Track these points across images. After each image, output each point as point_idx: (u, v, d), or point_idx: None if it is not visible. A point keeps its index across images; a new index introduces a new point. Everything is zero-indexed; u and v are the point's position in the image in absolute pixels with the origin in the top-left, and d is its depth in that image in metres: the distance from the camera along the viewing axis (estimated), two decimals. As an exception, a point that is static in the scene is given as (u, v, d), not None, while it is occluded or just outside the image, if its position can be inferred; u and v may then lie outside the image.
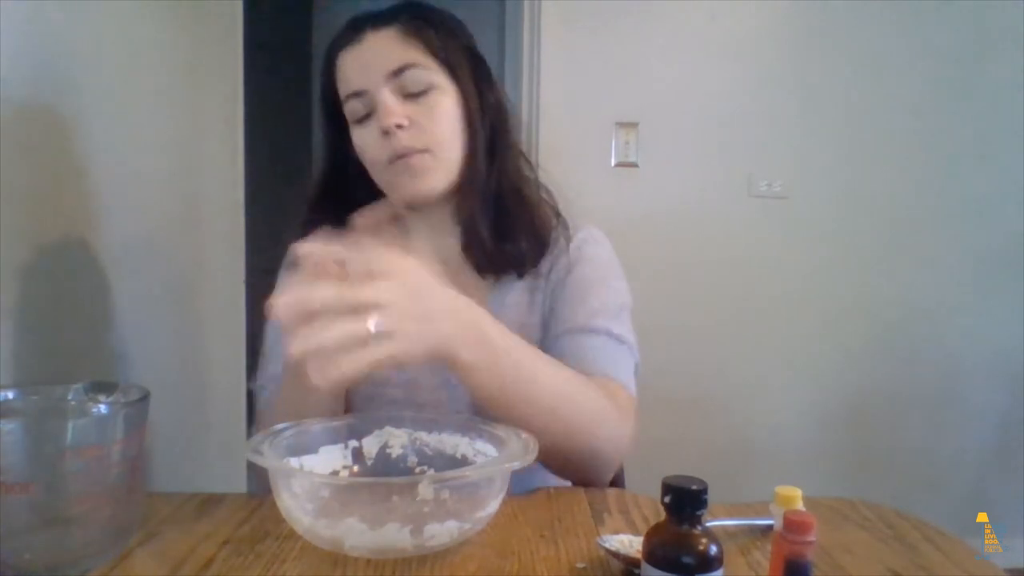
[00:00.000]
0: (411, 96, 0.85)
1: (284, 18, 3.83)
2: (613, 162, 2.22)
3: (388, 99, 0.84)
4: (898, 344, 2.33)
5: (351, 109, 0.87)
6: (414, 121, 0.85)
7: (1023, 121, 2.27)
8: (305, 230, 0.92)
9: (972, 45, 2.27)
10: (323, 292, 0.59)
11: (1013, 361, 2.33)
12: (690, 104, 2.24)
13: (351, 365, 0.58)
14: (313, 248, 0.64)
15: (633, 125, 2.22)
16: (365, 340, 0.59)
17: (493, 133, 0.92)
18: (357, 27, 0.88)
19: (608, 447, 0.80)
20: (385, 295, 0.60)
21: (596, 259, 0.96)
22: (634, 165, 2.23)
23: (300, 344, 0.58)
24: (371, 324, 0.59)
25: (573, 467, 0.81)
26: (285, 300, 0.59)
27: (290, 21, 3.92)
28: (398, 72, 0.85)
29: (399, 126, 0.84)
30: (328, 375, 0.58)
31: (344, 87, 0.88)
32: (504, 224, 0.92)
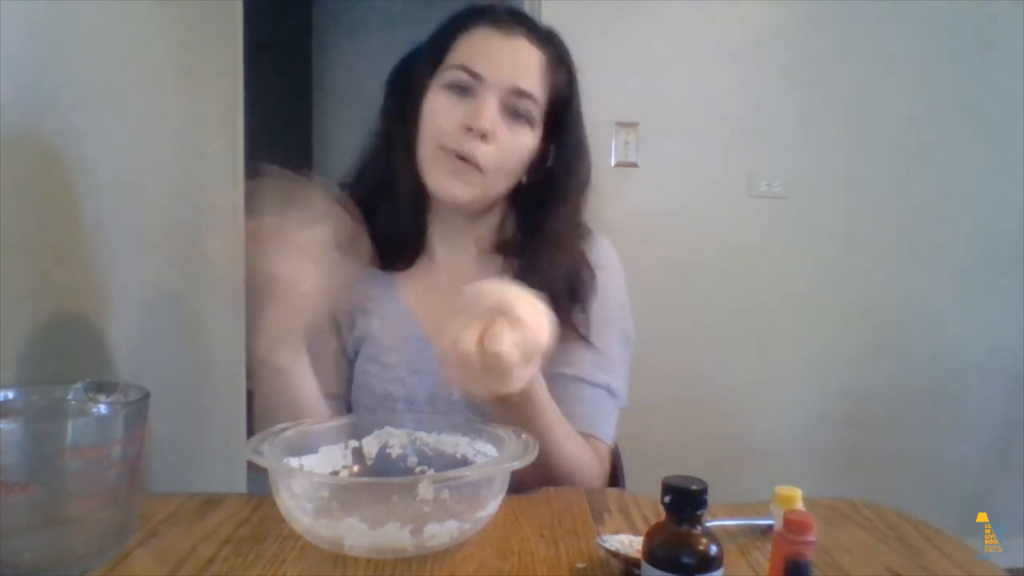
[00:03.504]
0: (510, 115, 0.85)
1: (284, 18, 3.84)
2: (613, 162, 2.22)
3: (494, 106, 0.83)
4: (898, 344, 2.33)
5: (453, 76, 0.85)
6: (495, 139, 0.84)
7: (1023, 121, 2.27)
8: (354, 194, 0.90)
9: (973, 45, 2.27)
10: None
11: (1013, 361, 2.33)
12: (690, 104, 2.24)
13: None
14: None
15: (633, 125, 2.22)
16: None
17: (566, 192, 0.91)
18: (516, 20, 0.87)
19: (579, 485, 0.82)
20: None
21: (608, 288, 0.94)
22: (634, 165, 2.23)
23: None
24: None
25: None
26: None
27: (290, 21, 3.92)
28: (520, 94, 0.84)
29: (484, 136, 0.83)
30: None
31: (466, 57, 0.85)
32: (533, 266, 0.89)
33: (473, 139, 0.83)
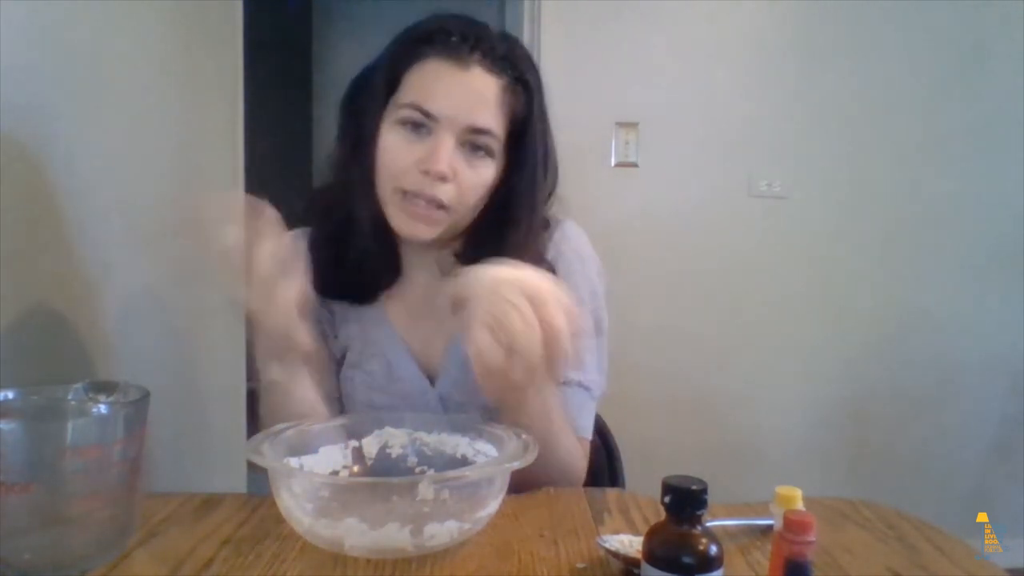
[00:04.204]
0: (468, 149, 0.82)
1: (284, 18, 3.84)
2: (613, 162, 2.22)
3: (450, 146, 0.80)
4: (898, 344, 2.33)
5: (405, 114, 0.81)
6: (455, 177, 0.81)
7: (1023, 122, 2.27)
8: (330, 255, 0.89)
9: (972, 45, 2.27)
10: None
11: (1013, 361, 2.32)
12: (690, 104, 2.24)
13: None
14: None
15: (633, 125, 2.22)
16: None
17: (534, 211, 0.88)
18: (469, 48, 0.81)
19: (560, 484, 0.81)
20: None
21: (573, 275, 0.91)
22: (634, 165, 2.23)
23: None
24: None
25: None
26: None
27: (290, 21, 3.92)
28: (477, 131, 0.81)
29: (443, 178, 0.80)
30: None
31: (416, 95, 0.81)
32: None
33: (432, 181, 0.80)
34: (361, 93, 0.87)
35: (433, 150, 0.80)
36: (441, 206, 0.82)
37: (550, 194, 0.91)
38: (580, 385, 0.89)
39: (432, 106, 0.80)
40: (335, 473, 0.70)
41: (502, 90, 0.82)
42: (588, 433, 0.91)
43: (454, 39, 0.82)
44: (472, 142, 0.82)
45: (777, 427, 2.30)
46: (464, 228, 0.87)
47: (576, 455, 0.86)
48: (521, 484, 0.75)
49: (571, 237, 0.94)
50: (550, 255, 0.91)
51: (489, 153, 0.83)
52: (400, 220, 0.83)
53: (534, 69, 0.87)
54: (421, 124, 0.81)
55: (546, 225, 0.93)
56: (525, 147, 0.86)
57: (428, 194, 0.81)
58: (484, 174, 0.83)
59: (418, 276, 0.93)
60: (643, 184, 2.23)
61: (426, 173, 0.80)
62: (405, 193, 0.82)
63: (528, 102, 0.85)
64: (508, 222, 0.87)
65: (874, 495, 0.79)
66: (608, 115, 2.20)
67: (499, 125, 0.82)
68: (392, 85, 0.84)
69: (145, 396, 0.61)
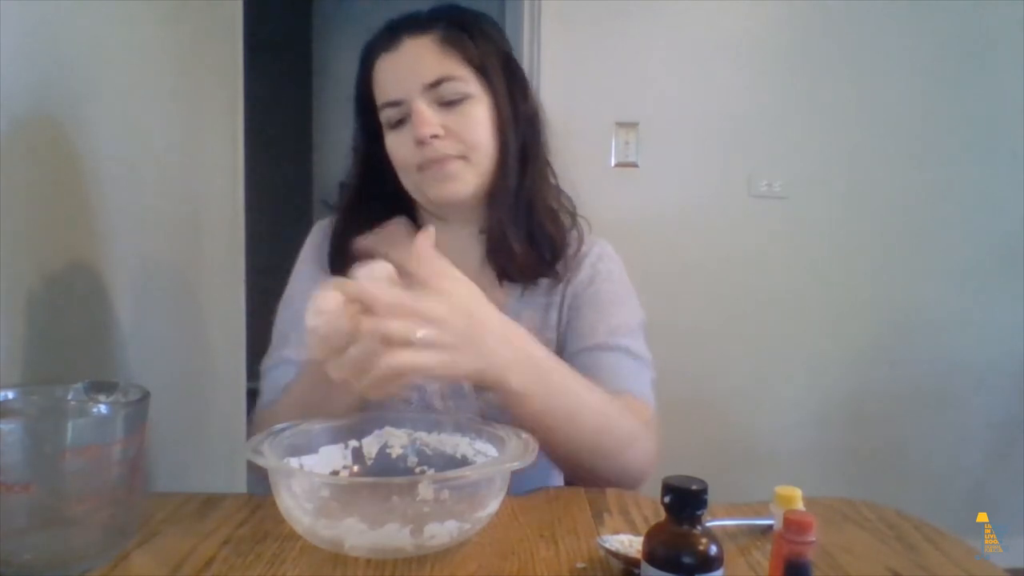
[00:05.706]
0: (446, 104, 0.86)
1: (284, 18, 3.84)
2: (613, 162, 2.22)
3: (423, 110, 0.85)
4: (898, 344, 2.33)
5: (387, 116, 0.88)
6: (449, 129, 0.86)
7: (1023, 121, 2.27)
8: (340, 238, 0.93)
9: (972, 45, 2.27)
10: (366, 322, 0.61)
11: (1013, 361, 2.33)
12: (690, 104, 2.24)
13: (390, 368, 0.60)
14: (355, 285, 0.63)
15: (633, 125, 2.22)
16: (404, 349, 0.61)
17: (525, 141, 0.92)
18: (395, 31, 0.88)
19: (637, 465, 0.81)
20: (436, 311, 0.63)
21: (613, 276, 0.97)
22: (634, 165, 2.23)
23: (339, 368, 0.62)
24: (419, 333, 0.61)
25: (602, 483, 0.79)
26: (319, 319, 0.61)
27: (290, 21, 3.92)
28: (434, 84, 0.86)
29: (434, 136, 0.85)
30: (370, 381, 0.61)
31: (381, 95, 0.89)
32: (529, 232, 0.92)
33: (428, 146, 0.85)
34: (356, 120, 0.95)
35: (414, 124, 0.85)
36: (453, 157, 0.86)
37: (541, 143, 0.94)
38: (626, 351, 0.89)
39: (390, 94, 0.87)
40: (335, 473, 0.70)
41: (436, 42, 0.87)
42: (639, 393, 0.86)
43: (384, 37, 0.89)
44: (442, 98, 0.86)
45: (777, 427, 2.31)
46: (491, 180, 0.90)
47: (629, 425, 0.80)
48: (589, 482, 0.77)
49: (612, 257, 0.99)
50: (589, 272, 0.95)
51: (463, 97, 0.87)
52: (428, 188, 0.88)
53: (474, 20, 0.91)
54: (401, 118, 0.87)
55: (573, 222, 0.97)
56: (496, 84, 0.90)
57: (432, 157, 0.86)
58: (472, 113, 0.87)
59: (460, 265, 0.93)
60: (643, 184, 2.23)
61: (420, 143, 0.85)
62: (420, 167, 0.87)
63: (484, 45, 0.89)
64: (512, 175, 0.90)
65: (874, 495, 0.79)
66: (608, 115, 2.21)
67: (453, 68, 0.87)
68: (369, 99, 0.90)
69: (145, 396, 0.61)
